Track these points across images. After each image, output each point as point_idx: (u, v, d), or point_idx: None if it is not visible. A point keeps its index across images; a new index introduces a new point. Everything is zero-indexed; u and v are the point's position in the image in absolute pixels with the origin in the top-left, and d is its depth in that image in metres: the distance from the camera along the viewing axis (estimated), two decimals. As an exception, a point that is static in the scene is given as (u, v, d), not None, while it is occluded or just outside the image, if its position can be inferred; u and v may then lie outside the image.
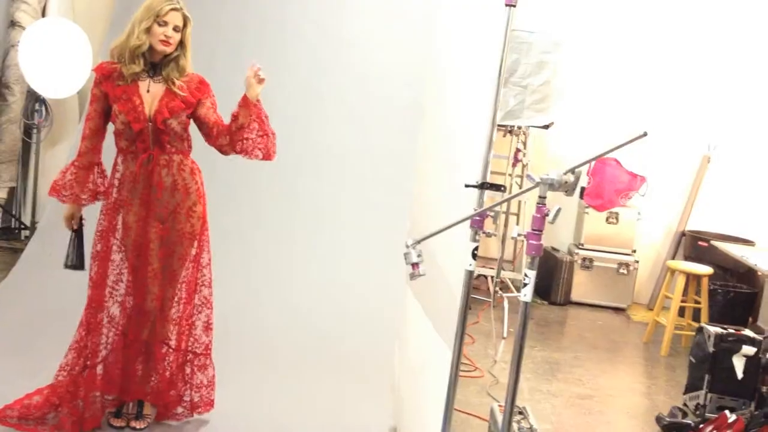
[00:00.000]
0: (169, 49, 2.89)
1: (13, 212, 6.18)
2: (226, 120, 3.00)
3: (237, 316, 4.36)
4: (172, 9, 2.87)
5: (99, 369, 3.05)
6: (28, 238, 5.74)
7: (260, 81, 2.88)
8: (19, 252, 5.14)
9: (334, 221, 4.84)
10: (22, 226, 6.10)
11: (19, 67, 5.66)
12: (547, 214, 2.30)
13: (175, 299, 3.11)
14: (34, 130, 6.00)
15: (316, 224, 4.85)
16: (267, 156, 3.03)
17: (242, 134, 2.94)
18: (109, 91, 2.92)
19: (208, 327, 3.23)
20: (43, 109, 5.85)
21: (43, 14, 6.05)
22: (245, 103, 2.90)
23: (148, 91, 2.93)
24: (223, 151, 3.05)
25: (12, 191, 6.23)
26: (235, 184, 4.77)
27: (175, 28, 2.88)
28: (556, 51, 5.60)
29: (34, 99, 5.82)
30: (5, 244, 5.86)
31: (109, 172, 3.07)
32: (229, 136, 2.96)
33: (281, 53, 5.10)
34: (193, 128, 3.08)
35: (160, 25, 2.86)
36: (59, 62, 5.42)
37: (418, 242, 2.50)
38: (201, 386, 3.25)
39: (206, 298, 3.21)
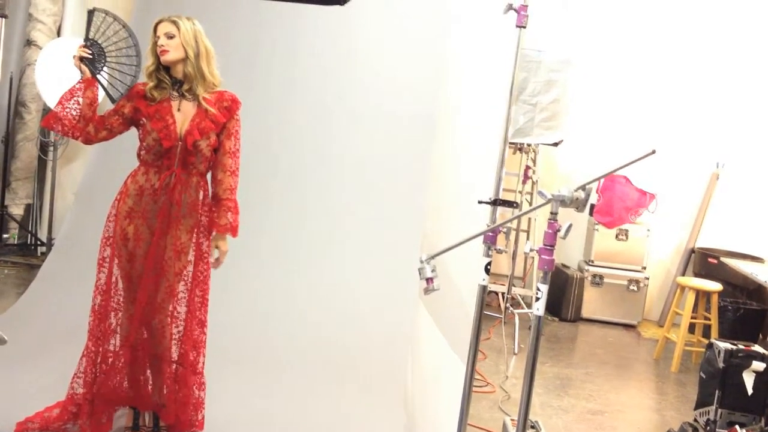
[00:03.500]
0: (169, 57, 2.99)
1: (30, 229, 6.26)
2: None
3: (247, 328, 4.38)
4: (158, 23, 3.04)
5: (110, 376, 3.09)
6: (44, 254, 5.81)
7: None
8: (36, 268, 5.20)
9: (347, 235, 4.86)
10: (39, 243, 6.18)
11: (36, 85, 5.76)
12: (558, 230, 2.35)
13: (180, 316, 3.13)
14: (50, 148, 6.09)
15: (329, 238, 4.87)
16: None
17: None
18: (142, 108, 3.03)
19: (204, 343, 3.24)
20: (59, 127, 5.94)
21: (59, 34, 6.16)
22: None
23: (178, 110, 3.03)
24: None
25: (28, 208, 6.31)
26: (245, 196, 4.82)
27: (168, 35, 3.00)
28: (565, 69, 5.66)
29: (50, 117, 5.91)
30: (22, 260, 5.93)
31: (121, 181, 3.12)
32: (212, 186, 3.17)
33: (293, 68, 5.14)
34: None
35: (156, 42, 3.01)
36: (75, 81, 5.49)
37: (433, 257, 2.55)
38: (199, 403, 3.23)
39: (205, 316, 3.23)
